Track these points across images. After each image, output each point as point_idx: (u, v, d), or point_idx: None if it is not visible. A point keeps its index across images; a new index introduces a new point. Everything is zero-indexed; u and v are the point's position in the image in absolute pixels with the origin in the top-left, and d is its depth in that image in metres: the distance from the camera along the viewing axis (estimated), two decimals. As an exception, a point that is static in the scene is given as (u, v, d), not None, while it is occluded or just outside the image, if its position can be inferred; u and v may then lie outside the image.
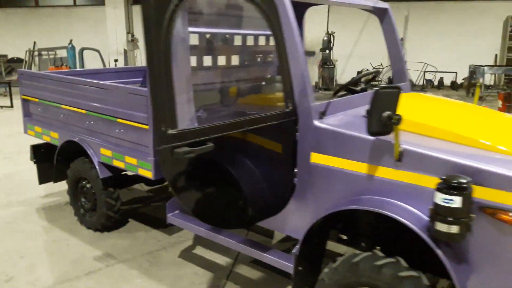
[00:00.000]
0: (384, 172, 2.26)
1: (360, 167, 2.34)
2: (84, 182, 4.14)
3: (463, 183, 1.88)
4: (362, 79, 3.48)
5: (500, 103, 9.76)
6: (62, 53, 16.69)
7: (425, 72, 15.49)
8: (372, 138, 2.27)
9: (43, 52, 17.10)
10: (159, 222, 4.35)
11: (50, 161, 4.48)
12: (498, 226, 1.95)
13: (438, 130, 2.36)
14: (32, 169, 5.50)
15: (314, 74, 15.69)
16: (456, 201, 1.88)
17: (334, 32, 15.63)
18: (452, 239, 1.93)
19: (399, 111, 2.32)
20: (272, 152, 2.70)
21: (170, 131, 1.93)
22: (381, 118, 2.05)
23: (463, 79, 14.92)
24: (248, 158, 2.73)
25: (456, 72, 15.13)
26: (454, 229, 1.91)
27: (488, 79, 14.98)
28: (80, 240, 3.99)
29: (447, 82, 15.30)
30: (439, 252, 1.98)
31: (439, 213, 1.93)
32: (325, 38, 15.17)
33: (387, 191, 2.26)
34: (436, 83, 15.21)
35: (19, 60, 17.39)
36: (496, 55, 15.46)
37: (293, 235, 2.68)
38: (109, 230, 4.15)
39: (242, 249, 2.85)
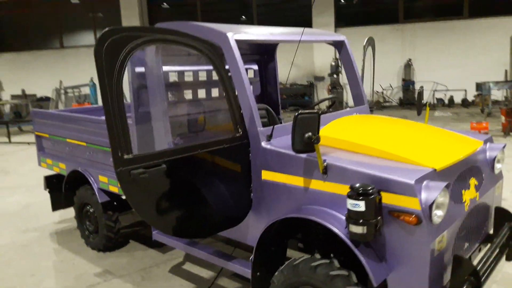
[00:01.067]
0: (316, 184, 2.64)
1: (298, 181, 2.74)
2: (88, 207, 4.64)
3: (366, 190, 2.25)
4: (326, 103, 3.89)
5: (503, 118, 9.92)
6: (86, 90, 17.74)
7: (434, 91, 15.66)
8: (305, 156, 2.67)
9: (68, 90, 18.21)
10: (156, 242, 4.77)
11: (61, 190, 5.02)
12: (402, 226, 2.30)
13: (364, 147, 2.74)
14: (48, 199, 6.06)
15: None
16: (361, 205, 2.25)
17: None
18: (362, 238, 2.29)
19: (339, 131, 2.72)
20: (233, 171, 3.12)
21: (126, 156, 2.38)
22: (303, 138, 2.46)
23: (474, 96, 15.02)
24: (213, 176, 3.15)
25: (465, 90, 15.25)
26: (362, 229, 2.27)
27: (501, 94, 15.05)
28: (84, 259, 4.46)
29: (457, 100, 15.41)
30: (355, 250, 2.34)
31: (350, 216, 2.30)
32: (333, 63, 15.62)
33: (319, 200, 2.63)
34: (446, 101, 15.33)
35: (46, 99, 18.52)
36: (506, 70, 15.53)
37: (252, 244, 3.07)
38: (110, 250, 4.61)
39: (211, 259, 3.26)
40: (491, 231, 3.22)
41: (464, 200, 2.68)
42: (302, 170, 2.71)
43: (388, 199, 2.34)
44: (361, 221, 2.27)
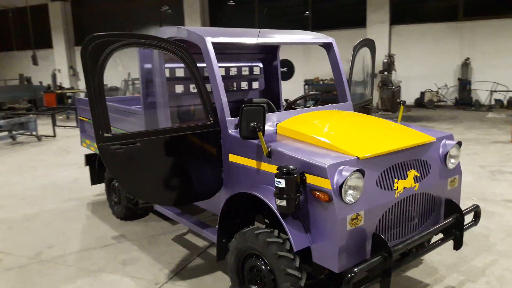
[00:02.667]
0: (264, 166, 3.13)
1: (253, 163, 3.24)
2: (114, 182, 5.43)
3: (287, 170, 2.72)
4: (308, 99, 4.33)
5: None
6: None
7: (492, 91, 15.06)
8: (257, 142, 3.16)
9: (136, 81, 19.70)
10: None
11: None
12: (319, 202, 2.74)
13: (308, 137, 3.18)
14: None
15: (374, 95, 16.08)
16: (282, 183, 2.72)
17: (394, 54, 15.93)
18: (284, 210, 2.76)
19: (297, 123, 3.18)
20: (210, 153, 3.66)
21: (105, 134, 3.01)
22: (249, 127, 2.96)
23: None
24: (190, 156, 3.63)
25: (526, 91, 14.54)
26: (284, 203, 2.74)
27: None
28: (108, 225, 5.26)
29: (519, 100, 14.71)
30: (282, 220, 2.81)
31: (275, 192, 2.78)
32: (385, 61, 15.55)
33: (267, 179, 3.11)
34: (505, 102, 14.70)
35: (116, 89, 20.16)
36: None
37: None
38: (130, 219, 5.37)
39: (191, 227, 3.88)
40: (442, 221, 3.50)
41: (395, 188, 3.03)
42: (255, 154, 3.21)
43: (310, 179, 2.78)
44: (284, 196, 2.74)
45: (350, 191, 2.72)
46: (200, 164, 3.55)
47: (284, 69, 5.93)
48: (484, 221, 4.98)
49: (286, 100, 5.62)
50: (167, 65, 4.22)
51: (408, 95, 16.34)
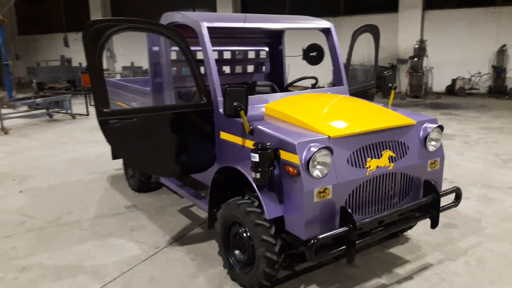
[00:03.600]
0: (248, 143, 3.41)
1: (238, 140, 3.52)
2: (129, 157, 5.85)
3: (262, 146, 2.98)
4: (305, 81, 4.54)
5: None
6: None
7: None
8: (241, 120, 3.43)
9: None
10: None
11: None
12: (290, 176, 2.99)
13: (289, 117, 3.42)
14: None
15: (404, 82, 15.89)
16: (256, 157, 2.99)
17: (426, 40, 15.64)
18: (258, 182, 3.04)
19: (283, 105, 3.42)
20: (205, 131, 3.95)
21: (105, 110, 3.37)
22: (232, 106, 3.23)
23: None
24: (186, 132, 3.88)
25: None
26: (257, 175, 3.01)
27: None
28: (123, 196, 5.71)
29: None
30: (258, 191, 3.09)
31: (251, 165, 3.05)
32: (416, 46, 15.31)
33: (249, 155, 3.38)
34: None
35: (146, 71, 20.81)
36: None
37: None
38: (143, 192, 5.78)
39: (188, 197, 4.23)
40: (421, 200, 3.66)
41: (367, 166, 3.24)
42: (240, 132, 3.49)
43: (284, 155, 3.04)
44: (259, 169, 3.02)
45: (318, 167, 2.95)
46: (195, 140, 3.86)
47: (314, 54, 6.15)
48: (481, 206, 5.08)
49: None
50: (173, 48, 4.52)
51: (439, 82, 16.04)
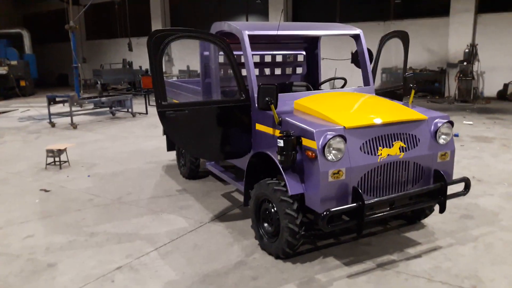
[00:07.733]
0: (276, 132, 4.03)
1: (270, 130, 4.16)
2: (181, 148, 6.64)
3: (286, 133, 3.60)
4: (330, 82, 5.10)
5: None
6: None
7: None
8: (271, 113, 4.05)
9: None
10: (225, 179, 6.57)
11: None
12: (309, 159, 3.59)
13: (313, 111, 4.01)
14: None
15: (453, 86, 15.81)
16: (281, 143, 3.61)
17: (477, 44, 15.51)
18: (283, 163, 3.66)
19: (311, 101, 4.05)
20: (243, 122, 4.59)
21: (163, 103, 4.12)
22: (264, 100, 3.87)
23: None
24: (229, 123, 4.54)
25: None
26: (282, 158, 3.63)
27: None
28: (175, 181, 6.51)
29: None
30: (282, 171, 3.71)
31: (278, 150, 3.67)
32: (466, 50, 15.23)
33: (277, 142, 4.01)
34: None
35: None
36: None
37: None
38: (193, 179, 6.55)
39: (229, 180, 4.92)
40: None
41: (379, 154, 3.76)
42: (271, 123, 4.12)
43: (305, 142, 3.64)
44: (283, 152, 3.64)
45: (333, 151, 3.53)
46: (235, 130, 4.53)
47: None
48: (502, 202, 5.38)
49: None
50: (221, 53, 5.24)
51: (491, 87, 15.81)
